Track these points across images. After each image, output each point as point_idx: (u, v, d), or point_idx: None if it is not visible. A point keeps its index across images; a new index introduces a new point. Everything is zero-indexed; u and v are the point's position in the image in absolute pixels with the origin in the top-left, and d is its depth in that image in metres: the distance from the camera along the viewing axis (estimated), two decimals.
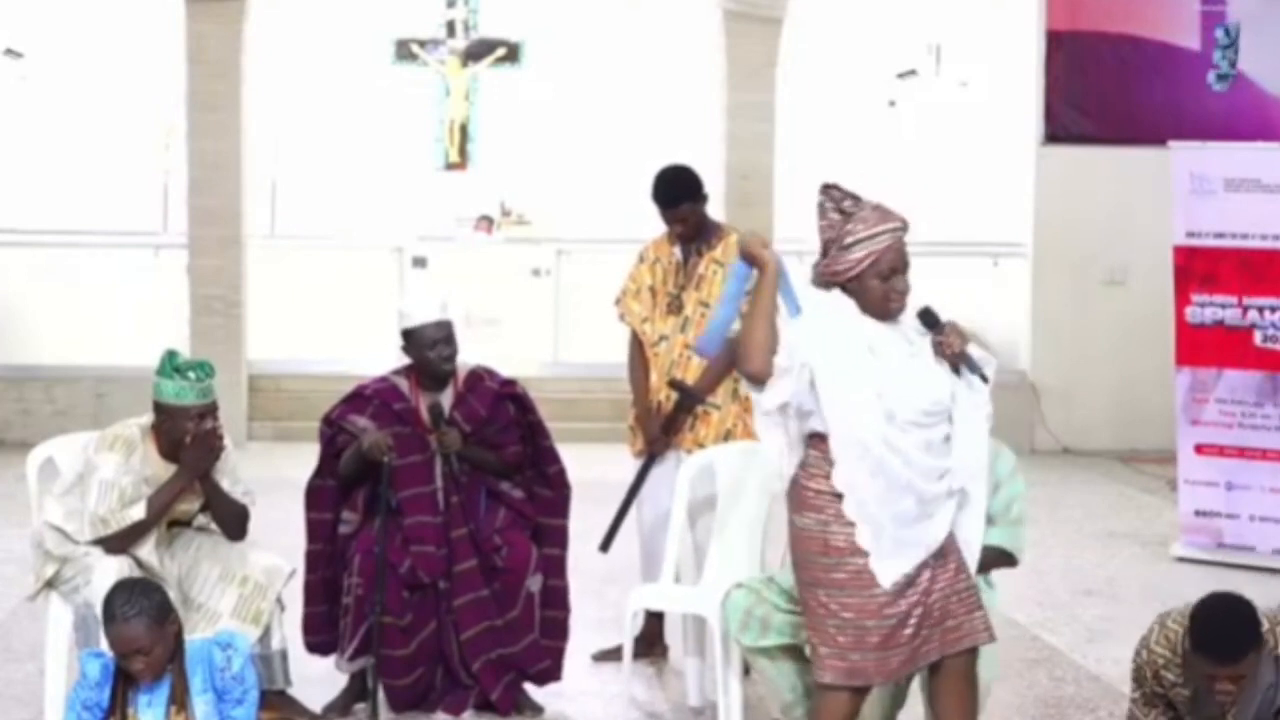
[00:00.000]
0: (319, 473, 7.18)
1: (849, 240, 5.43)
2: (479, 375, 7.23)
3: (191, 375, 6.48)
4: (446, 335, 7.06)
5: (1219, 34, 15.13)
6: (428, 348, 7.05)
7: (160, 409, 6.53)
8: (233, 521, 6.74)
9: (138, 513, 6.40)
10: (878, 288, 5.44)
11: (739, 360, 5.47)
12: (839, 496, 5.39)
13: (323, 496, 7.15)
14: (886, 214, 5.49)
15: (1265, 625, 5.47)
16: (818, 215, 5.51)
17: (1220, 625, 5.33)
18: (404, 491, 6.97)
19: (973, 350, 5.49)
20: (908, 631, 5.43)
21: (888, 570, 5.37)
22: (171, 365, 6.49)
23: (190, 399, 6.48)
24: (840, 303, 5.47)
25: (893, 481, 5.36)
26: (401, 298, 6.87)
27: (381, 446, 6.88)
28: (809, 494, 5.47)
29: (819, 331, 5.42)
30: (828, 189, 5.55)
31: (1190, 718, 5.62)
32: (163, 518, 6.52)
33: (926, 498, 5.41)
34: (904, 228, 5.50)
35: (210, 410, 6.54)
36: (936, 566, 5.45)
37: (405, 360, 7.19)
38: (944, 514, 5.47)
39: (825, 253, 5.53)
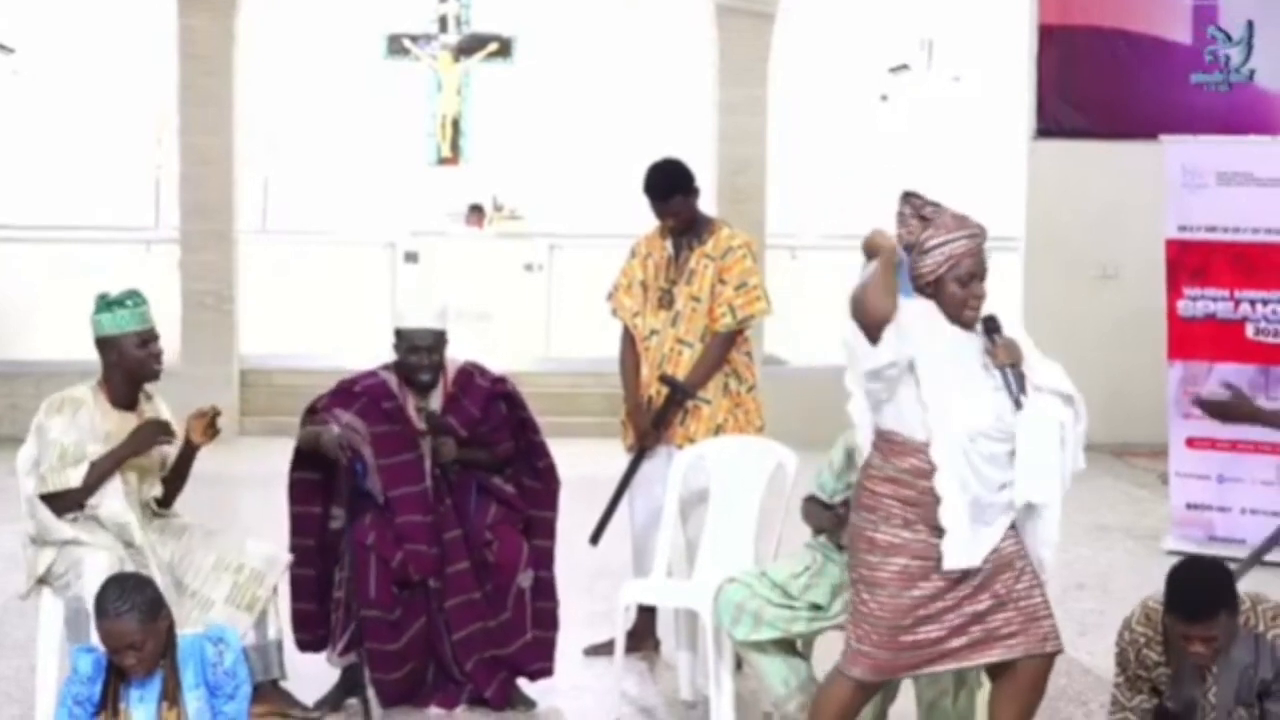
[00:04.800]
0: (301, 464, 7.16)
1: (928, 245, 5.45)
2: (469, 373, 7.21)
3: (128, 303, 6.65)
4: (432, 344, 7.04)
5: (1217, 32, 15.16)
6: (409, 351, 7.04)
7: (105, 345, 6.66)
8: (175, 494, 6.87)
9: (76, 477, 6.46)
10: (956, 293, 5.46)
11: (861, 306, 5.35)
12: (893, 499, 5.44)
13: (306, 489, 7.14)
14: (964, 220, 5.53)
15: (1245, 604, 5.54)
16: (897, 223, 5.52)
17: (1191, 583, 5.46)
18: (394, 490, 6.96)
19: (1031, 367, 5.52)
20: (941, 633, 5.47)
21: (954, 556, 5.41)
22: (105, 302, 6.66)
23: (132, 325, 6.62)
24: (930, 305, 5.47)
25: (964, 483, 5.41)
26: (402, 294, 6.89)
27: (333, 447, 6.87)
28: (865, 494, 5.53)
29: (924, 323, 5.43)
30: (908, 196, 5.57)
31: (1172, 701, 5.68)
32: (104, 482, 6.53)
33: (983, 503, 5.45)
34: (982, 234, 5.55)
35: (153, 335, 6.67)
36: (992, 573, 5.47)
37: (395, 356, 7.18)
38: (1000, 524, 5.50)
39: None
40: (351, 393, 7.10)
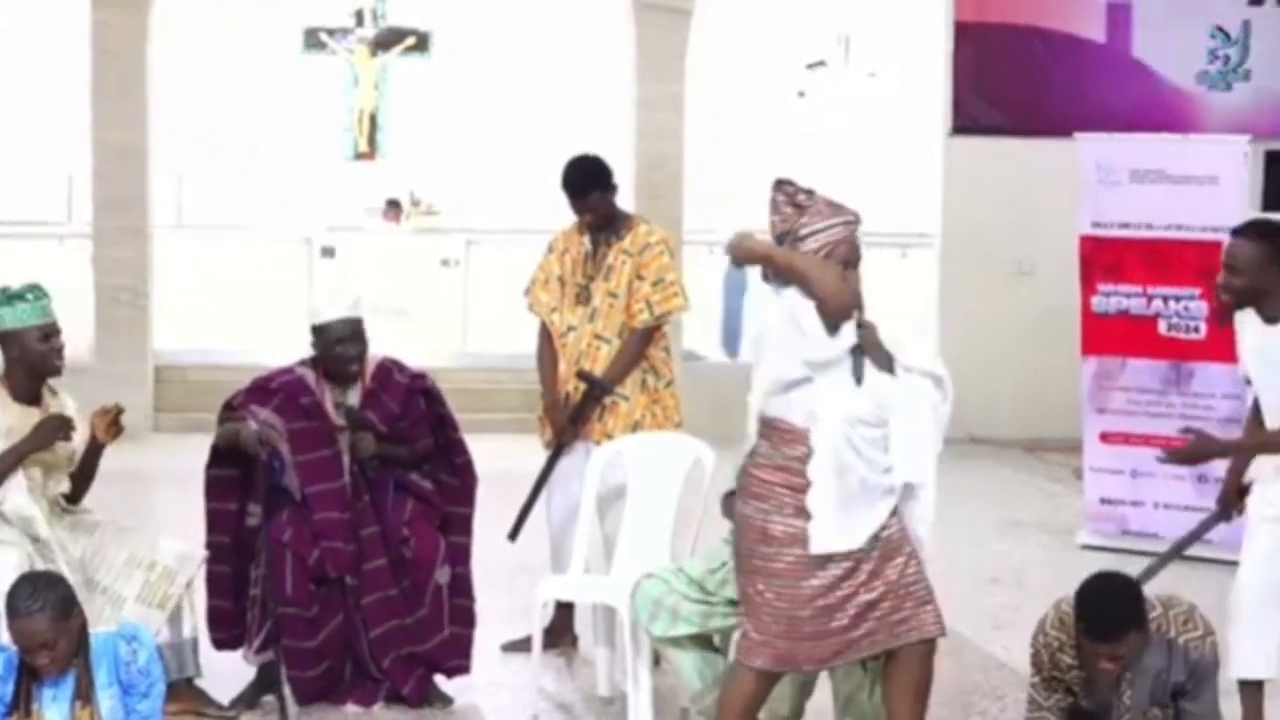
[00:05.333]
0: (218, 461, 7.11)
1: (804, 232, 5.47)
2: (388, 369, 7.19)
3: (29, 297, 6.58)
4: (354, 333, 7.01)
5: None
6: (334, 344, 7.00)
7: (6, 340, 6.58)
8: (84, 491, 6.81)
9: None
10: None
11: (827, 300, 5.39)
12: (784, 487, 5.47)
13: (223, 486, 7.09)
14: (840, 208, 5.56)
15: (1157, 610, 5.60)
16: (770, 210, 5.54)
17: (1099, 604, 5.52)
18: (311, 486, 6.92)
19: (901, 348, 5.57)
20: (842, 622, 5.51)
21: (822, 540, 5.44)
22: (6, 295, 6.59)
23: (34, 319, 6.56)
24: (793, 292, 5.49)
25: (844, 466, 5.45)
26: (312, 293, 6.88)
27: (252, 443, 6.83)
28: (754, 482, 5.55)
29: (804, 307, 5.47)
30: (781, 184, 5.59)
31: (1086, 701, 5.73)
32: (6, 477, 6.49)
33: (869, 484, 5.50)
34: (857, 221, 5.58)
35: (54, 330, 6.61)
36: (881, 560, 5.52)
37: (315, 353, 7.13)
38: (883, 506, 5.55)
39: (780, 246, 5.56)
40: (268, 389, 7.06)
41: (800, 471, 5.47)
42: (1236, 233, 6.33)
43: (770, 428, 5.55)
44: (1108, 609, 5.50)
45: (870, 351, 5.52)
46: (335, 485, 6.96)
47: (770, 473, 5.52)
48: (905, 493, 5.61)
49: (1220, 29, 15.33)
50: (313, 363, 7.12)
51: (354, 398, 7.07)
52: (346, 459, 7.00)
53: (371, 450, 7.00)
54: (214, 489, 7.11)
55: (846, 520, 5.48)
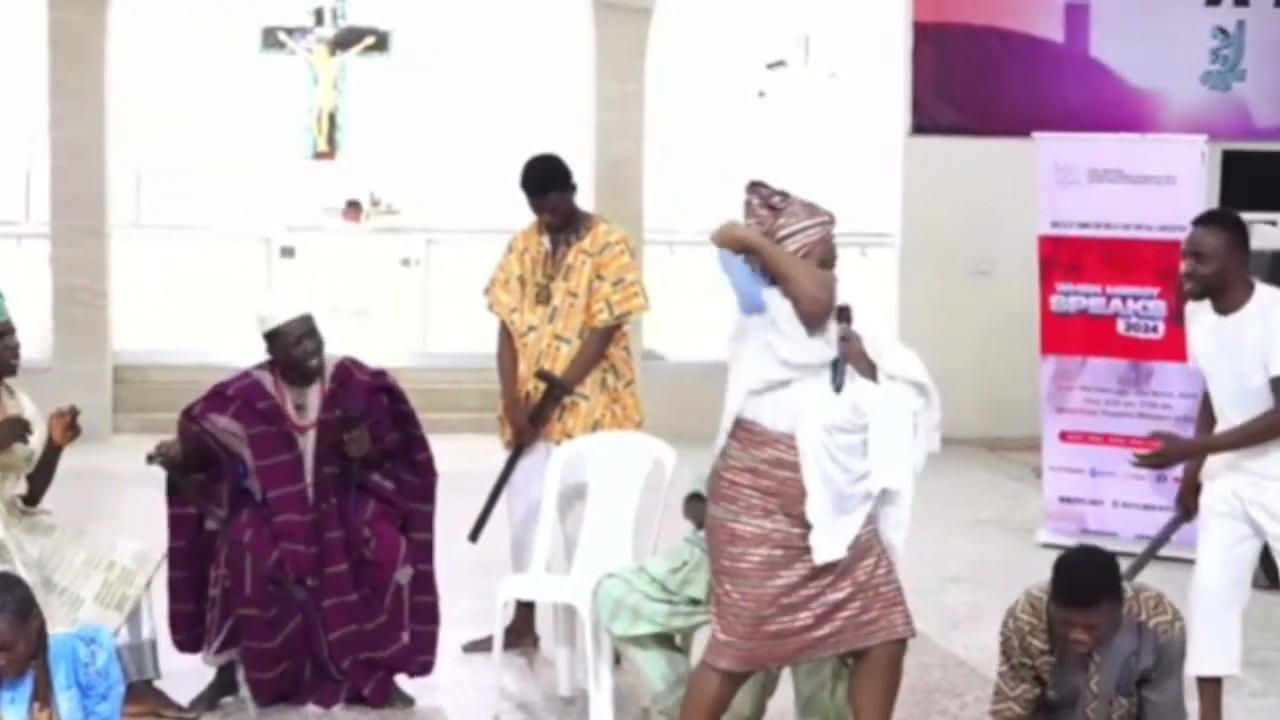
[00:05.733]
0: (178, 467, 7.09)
1: (781, 234, 5.48)
2: (348, 368, 7.16)
3: None
4: (310, 329, 6.99)
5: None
6: (292, 345, 6.96)
7: None
8: (41, 492, 6.80)
9: None
10: None
11: (801, 300, 5.40)
12: (752, 489, 5.49)
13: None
14: (815, 208, 5.57)
15: (1128, 593, 5.65)
16: (744, 213, 5.56)
17: (1076, 571, 5.59)
18: (273, 490, 6.91)
19: (885, 356, 5.58)
20: (806, 621, 5.54)
21: (825, 550, 5.48)
22: None
23: None
24: (774, 291, 5.50)
25: (827, 476, 5.47)
26: (260, 302, 6.87)
27: (168, 455, 6.83)
28: (724, 484, 5.58)
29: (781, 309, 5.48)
30: (755, 186, 5.60)
31: (1054, 691, 5.76)
32: None
33: (845, 494, 5.52)
34: (832, 221, 5.59)
35: (8, 328, 6.60)
36: (850, 562, 5.54)
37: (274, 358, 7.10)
38: (860, 512, 5.57)
39: None
40: (225, 396, 7.03)
41: (769, 474, 5.49)
42: (1200, 222, 6.36)
43: (743, 429, 5.56)
44: (1084, 575, 5.57)
45: (853, 361, 5.53)
46: (296, 488, 6.94)
47: (739, 474, 5.53)
48: (882, 498, 5.63)
49: (1221, 30, 15.40)
50: (270, 366, 7.09)
51: (314, 398, 7.05)
52: (309, 462, 6.98)
53: (366, 447, 6.98)
54: (175, 495, 7.09)
55: (838, 528, 5.50)
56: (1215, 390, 6.41)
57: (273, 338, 7.00)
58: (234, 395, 7.01)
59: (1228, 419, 6.33)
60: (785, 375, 5.47)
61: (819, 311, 5.43)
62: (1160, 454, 6.42)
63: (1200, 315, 6.39)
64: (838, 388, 5.49)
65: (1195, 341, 6.46)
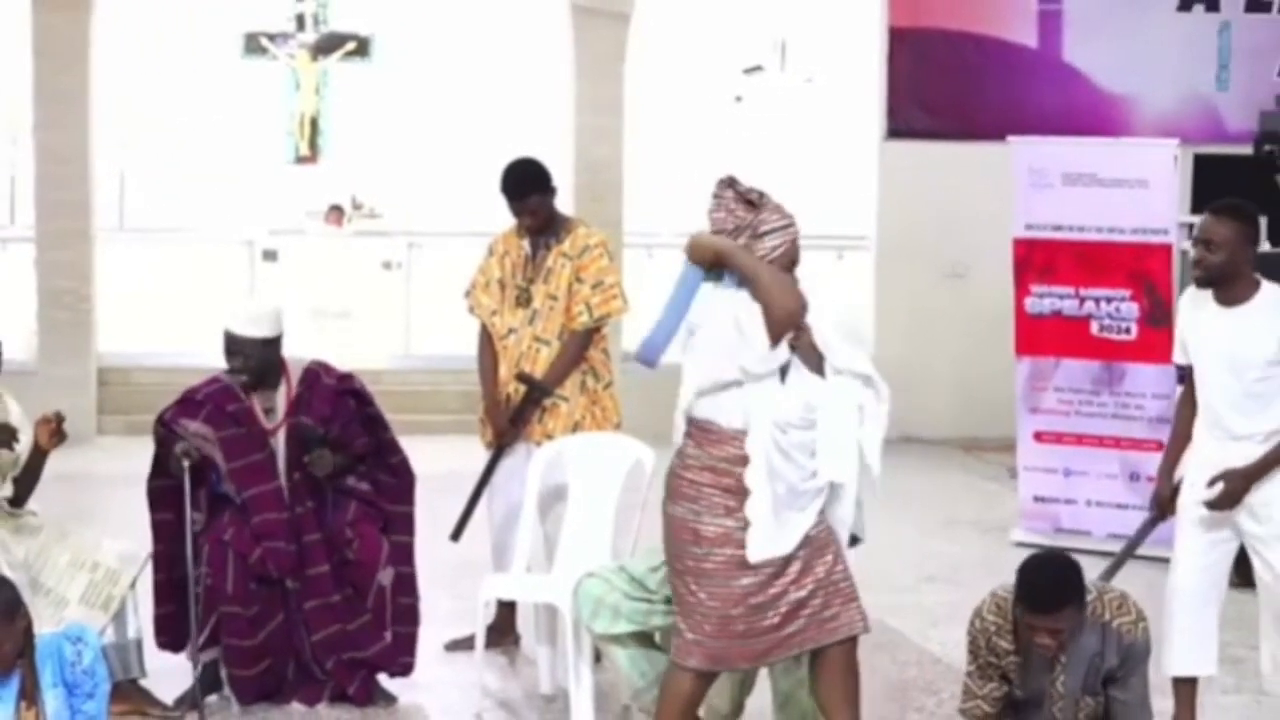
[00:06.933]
0: (156, 473, 7.09)
1: (763, 229, 5.51)
2: (315, 372, 7.16)
3: None
4: (246, 351, 6.94)
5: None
6: (226, 354, 6.98)
7: None
8: (27, 494, 6.80)
9: None
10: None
11: (772, 309, 5.41)
12: (713, 488, 5.51)
13: (163, 496, 7.06)
14: (784, 210, 5.60)
15: (1092, 594, 5.66)
16: (716, 206, 5.56)
17: (1040, 577, 5.58)
18: (247, 490, 6.91)
19: (833, 350, 5.60)
20: (773, 620, 5.55)
21: (760, 548, 5.47)
22: None
23: None
24: (742, 295, 5.51)
25: (775, 472, 5.49)
26: (241, 299, 6.87)
27: (177, 462, 6.81)
28: (684, 484, 5.58)
29: (744, 306, 5.50)
30: (730, 182, 5.60)
31: (1020, 690, 5.77)
32: None
33: (797, 490, 5.54)
34: (796, 225, 5.61)
35: None
36: (810, 558, 5.56)
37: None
38: (813, 509, 5.59)
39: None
40: (196, 401, 7.03)
41: (729, 472, 5.51)
42: (1213, 210, 6.29)
43: (698, 428, 5.57)
44: (1048, 581, 5.56)
45: (801, 352, 5.55)
46: (270, 486, 6.94)
47: (699, 473, 5.55)
48: (830, 493, 5.64)
49: (1195, 34, 15.46)
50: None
51: (279, 402, 7.05)
52: (281, 461, 6.98)
53: (329, 467, 6.99)
54: (155, 500, 7.09)
55: (779, 528, 5.51)
56: (1208, 385, 6.33)
57: (229, 340, 6.98)
58: (203, 400, 7.01)
59: (1218, 415, 6.28)
60: (739, 379, 5.48)
61: (788, 322, 5.44)
62: (1228, 494, 6.27)
63: (1199, 306, 6.33)
64: (782, 376, 5.50)
65: (1189, 332, 6.39)
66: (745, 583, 5.51)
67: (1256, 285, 6.22)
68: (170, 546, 7.00)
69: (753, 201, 5.56)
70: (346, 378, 7.25)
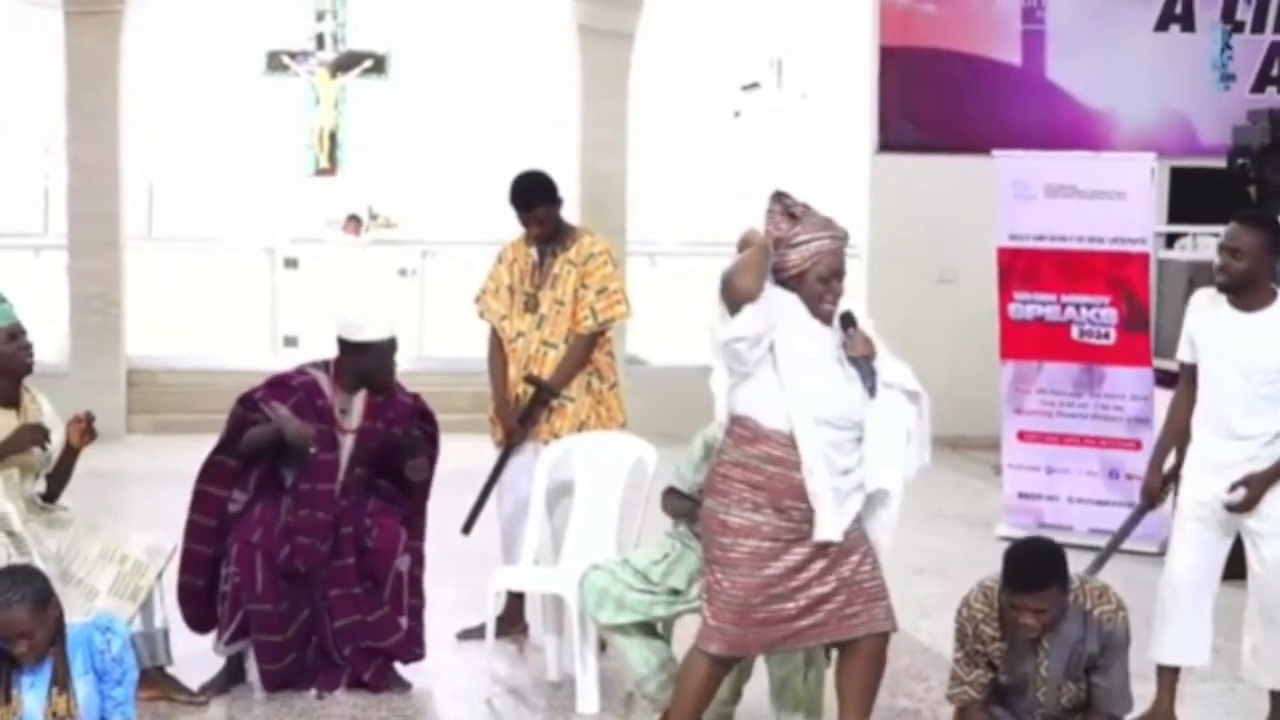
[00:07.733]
0: (222, 449, 7.02)
1: (795, 240, 5.51)
2: (393, 385, 7.15)
3: None
4: (394, 349, 7.02)
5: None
6: (378, 361, 6.95)
7: None
8: (59, 490, 6.77)
9: None
10: (816, 288, 5.53)
11: (730, 283, 5.39)
12: (742, 483, 5.50)
13: (221, 472, 6.99)
14: (830, 223, 5.59)
15: (1074, 583, 5.67)
16: (766, 220, 5.56)
17: (1026, 557, 5.64)
18: (306, 484, 6.87)
19: (883, 364, 5.60)
20: (791, 611, 5.55)
21: (825, 527, 5.49)
22: None
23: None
24: (793, 297, 5.52)
25: (827, 461, 5.48)
26: (348, 309, 6.77)
27: (307, 438, 6.79)
28: (716, 479, 5.60)
29: (786, 309, 5.49)
30: (780, 196, 5.61)
31: (1005, 676, 5.78)
32: None
33: (835, 488, 5.52)
34: (845, 237, 5.62)
35: (19, 330, 6.54)
36: (837, 557, 5.55)
37: (319, 357, 7.09)
38: (852, 504, 5.58)
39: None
40: (289, 386, 6.97)
41: (758, 469, 5.49)
42: (1239, 220, 6.24)
43: (738, 425, 5.56)
44: (1032, 562, 5.61)
45: (857, 347, 5.54)
46: (328, 486, 6.89)
47: (730, 469, 5.55)
48: (874, 499, 5.64)
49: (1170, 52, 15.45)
50: (325, 367, 7.07)
51: (358, 406, 7.02)
52: (344, 463, 6.95)
53: (424, 476, 7.04)
54: (211, 473, 7.01)
55: (839, 507, 5.51)
56: (1216, 385, 6.27)
57: (360, 349, 6.94)
58: (297, 387, 6.96)
59: (1225, 415, 6.24)
60: (726, 360, 5.47)
61: (733, 285, 5.37)
62: (1249, 499, 6.20)
63: (1213, 309, 6.29)
64: (871, 390, 5.53)
65: (1200, 333, 6.33)
66: (768, 573, 5.51)
67: (1273, 295, 6.19)
68: (209, 520, 6.95)
69: (795, 215, 5.56)
70: (416, 397, 7.24)
